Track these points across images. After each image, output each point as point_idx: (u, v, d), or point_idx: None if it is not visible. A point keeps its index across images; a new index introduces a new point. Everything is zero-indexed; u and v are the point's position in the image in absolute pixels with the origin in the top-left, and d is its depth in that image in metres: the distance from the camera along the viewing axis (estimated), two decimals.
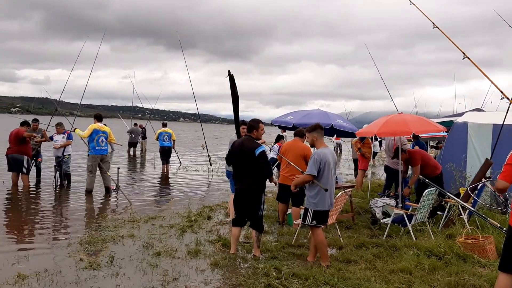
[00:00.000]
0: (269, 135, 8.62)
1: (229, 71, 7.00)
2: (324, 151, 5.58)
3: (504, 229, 6.51)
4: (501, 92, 4.73)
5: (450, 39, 7.04)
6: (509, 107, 7.43)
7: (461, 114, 11.71)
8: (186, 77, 17.72)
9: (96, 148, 10.36)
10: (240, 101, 6.77)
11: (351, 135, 10.75)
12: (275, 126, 10.71)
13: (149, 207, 9.32)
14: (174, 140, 16.18)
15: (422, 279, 5.02)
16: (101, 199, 10.02)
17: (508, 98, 4.35)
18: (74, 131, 10.77)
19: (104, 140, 10.54)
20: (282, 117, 10.49)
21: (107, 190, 10.52)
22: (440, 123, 10.46)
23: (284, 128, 11.90)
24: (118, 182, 10.40)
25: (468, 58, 6.84)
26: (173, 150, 16.47)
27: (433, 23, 6.92)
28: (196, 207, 9.19)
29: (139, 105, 31.99)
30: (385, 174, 10.39)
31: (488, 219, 6.41)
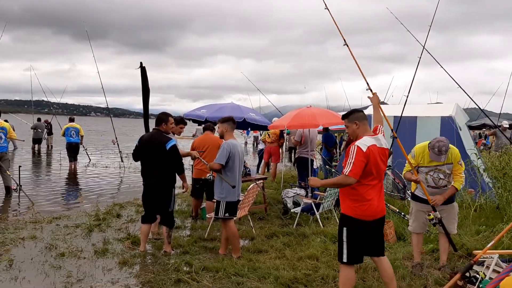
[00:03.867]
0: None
1: (141, 63, 6.85)
2: (233, 142, 5.63)
3: (403, 213, 7.01)
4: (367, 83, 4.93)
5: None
6: (406, 100, 8.18)
7: (366, 107, 12.36)
8: (96, 69, 16.79)
9: None
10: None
11: (263, 127, 10.94)
12: (189, 120, 10.59)
13: (54, 207, 8.80)
14: (82, 136, 15.49)
15: (327, 264, 5.24)
16: (1, 200, 9.30)
17: (371, 90, 4.73)
18: None
19: (3, 137, 9.78)
20: (195, 110, 10.43)
21: (8, 190, 9.77)
22: None
23: (198, 122, 11.83)
24: (20, 181, 9.69)
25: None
26: (81, 146, 15.74)
27: (344, 40, 6.58)
28: (105, 205, 8.85)
29: (45, 99, 29.93)
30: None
31: (388, 205, 6.84)
